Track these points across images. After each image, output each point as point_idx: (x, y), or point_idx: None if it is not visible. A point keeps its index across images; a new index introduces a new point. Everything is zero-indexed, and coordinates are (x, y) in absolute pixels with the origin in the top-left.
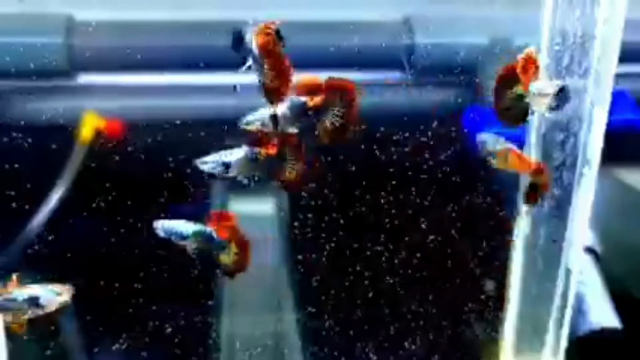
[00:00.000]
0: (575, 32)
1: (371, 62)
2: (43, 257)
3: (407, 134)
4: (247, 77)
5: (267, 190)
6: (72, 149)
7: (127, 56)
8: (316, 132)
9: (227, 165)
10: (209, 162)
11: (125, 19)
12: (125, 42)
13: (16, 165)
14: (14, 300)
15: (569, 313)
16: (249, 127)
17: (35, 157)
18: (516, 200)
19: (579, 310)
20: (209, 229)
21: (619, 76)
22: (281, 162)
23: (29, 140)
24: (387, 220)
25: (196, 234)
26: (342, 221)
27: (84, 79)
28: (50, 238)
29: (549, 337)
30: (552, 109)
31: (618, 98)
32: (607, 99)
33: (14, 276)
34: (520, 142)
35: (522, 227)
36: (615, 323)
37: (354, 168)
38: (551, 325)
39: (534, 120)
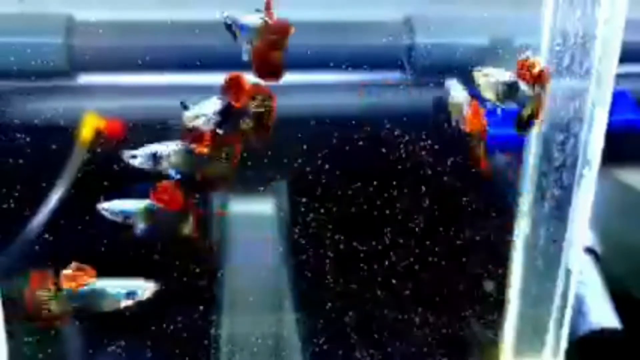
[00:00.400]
0: (576, 33)
1: (371, 62)
2: (43, 257)
3: (406, 135)
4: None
5: (267, 190)
6: (72, 150)
7: (127, 56)
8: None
9: (156, 158)
10: (137, 157)
11: (126, 19)
12: (125, 42)
13: (15, 166)
14: (101, 292)
15: (569, 313)
16: (193, 123)
17: (34, 158)
18: (517, 200)
19: (579, 311)
20: (156, 204)
21: (619, 76)
22: (212, 161)
23: (29, 140)
24: (387, 220)
25: (146, 210)
26: (342, 221)
27: (84, 79)
28: (49, 238)
29: (549, 338)
30: (502, 98)
31: (618, 98)
32: (608, 99)
33: (75, 266)
34: (521, 142)
35: (522, 227)
36: (615, 323)
37: (354, 168)
38: (551, 325)
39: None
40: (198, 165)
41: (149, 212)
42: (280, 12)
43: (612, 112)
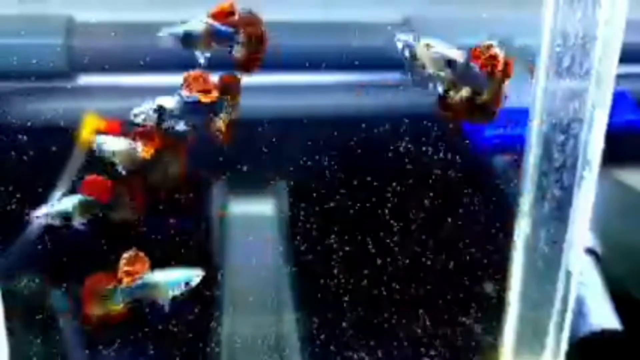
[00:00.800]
0: (576, 33)
1: (371, 63)
2: (42, 258)
3: (407, 135)
4: (246, 78)
5: (267, 190)
6: (72, 150)
7: (127, 57)
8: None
9: (112, 153)
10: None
11: (125, 20)
12: (125, 43)
13: (16, 167)
14: (153, 285)
15: (569, 316)
16: (137, 119)
17: (34, 158)
18: (517, 201)
19: (580, 312)
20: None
21: (619, 77)
22: (158, 162)
23: (29, 141)
24: (387, 221)
25: (80, 205)
26: (342, 221)
27: (84, 80)
28: (50, 238)
29: (549, 340)
30: (445, 76)
31: (618, 99)
32: (608, 100)
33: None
34: (522, 143)
35: (522, 227)
36: (616, 324)
37: (354, 169)
38: (551, 328)
39: (534, 121)
40: (144, 164)
41: (84, 206)
42: (281, 13)
43: (611, 113)
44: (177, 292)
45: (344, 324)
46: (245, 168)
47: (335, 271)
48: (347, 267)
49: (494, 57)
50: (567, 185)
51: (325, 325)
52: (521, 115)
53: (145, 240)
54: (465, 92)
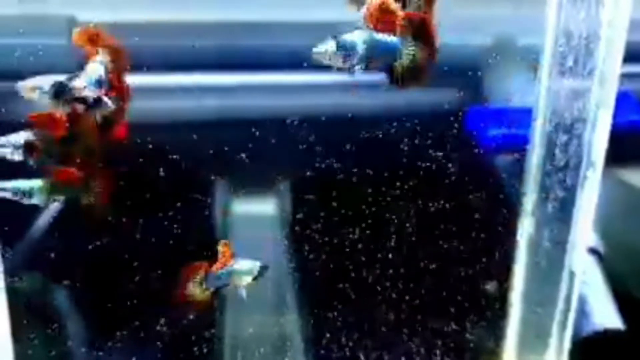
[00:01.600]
0: (579, 33)
1: None
2: (44, 259)
3: (409, 135)
4: (246, 77)
5: (269, 190)
6: None
7: (128, 57)
8: None
9: (18, 147)
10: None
11: (126, 20)
12: (126, 43)
13: (16, 167)
14: (234, 272)
15: (572, 316)
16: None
17: None
18: (521, 201)
19: (582, 311)
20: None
21: (622, 76)
22: (72, 144)
23: None
24: (389, 220)
25: (45, 187)
26: (343, 221)
27: None
28: (53, 239)
29: (553, 340)
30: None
31: (622, 99)
32: (612, 100)
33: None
34: (525, 143)
35: (526, 227)
36: (618, 324)
37: (355, 168)
38: (555, 327)
39: (537, 121)
40: (57, 152)
41: (49, 188)
42: (281, 13)
43: (615, 113)
44: (246, 282)
45: (346, 324)
46: (247, 168)
47: (337, 271)
48: (349, 267)
49: (391, 13)
50: (570, 186)
51: (327, 324)
52: (525, 115)
53: (148, 239)
54: (405, 60)
